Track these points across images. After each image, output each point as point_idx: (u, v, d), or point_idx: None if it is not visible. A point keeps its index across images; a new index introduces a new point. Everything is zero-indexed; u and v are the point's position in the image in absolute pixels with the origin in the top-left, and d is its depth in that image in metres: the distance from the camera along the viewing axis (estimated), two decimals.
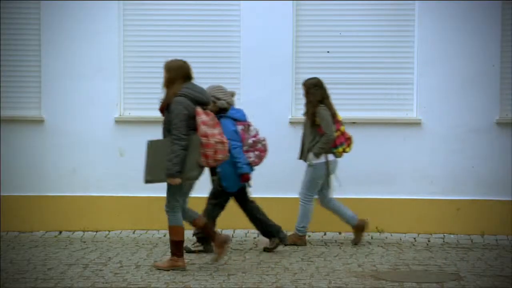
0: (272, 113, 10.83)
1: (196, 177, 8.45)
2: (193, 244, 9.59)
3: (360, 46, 10.93)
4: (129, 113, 11.04)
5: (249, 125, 9.52)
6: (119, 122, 11.00)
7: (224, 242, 8.58)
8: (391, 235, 10.70)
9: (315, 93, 9.98)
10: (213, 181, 9.29)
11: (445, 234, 10.73)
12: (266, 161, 9.63)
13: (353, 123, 10.78)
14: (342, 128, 10.05)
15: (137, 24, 11.02)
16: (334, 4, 10.95)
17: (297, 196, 10.13)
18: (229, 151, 8.64)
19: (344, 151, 10.08)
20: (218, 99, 9.26)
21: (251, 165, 9.47)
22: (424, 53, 10.82)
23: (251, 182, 9.55)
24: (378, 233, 10.75)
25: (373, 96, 10.94)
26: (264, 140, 9.56)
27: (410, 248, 10.05)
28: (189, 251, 9.45)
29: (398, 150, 10.88)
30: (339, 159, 10.08)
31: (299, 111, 10.80)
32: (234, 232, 10.68)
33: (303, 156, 10.09)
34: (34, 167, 10.99)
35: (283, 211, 10.44)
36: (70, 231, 10.93)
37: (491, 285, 8.02)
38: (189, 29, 10.98)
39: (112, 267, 8.77)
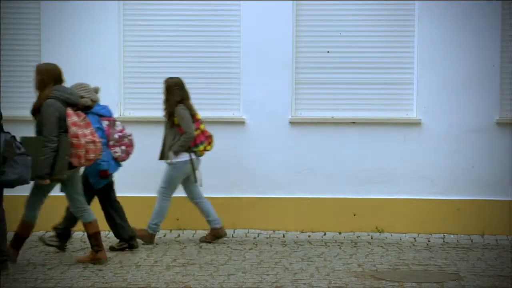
0: (272, 113, 10.83)
1: (66, 178, 8.62)
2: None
3: (360, 46, 10.92)
4: (130, 113, 11.04)
5: (114, 121, 9.62)
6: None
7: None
8: (391, 235, 10.69)
9: (176, 92, 9.97)
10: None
11: (445, 234, 10.72)
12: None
13: (353, 123, 10.78)
14: (202, 126, 10.05)
15: (137, 24, 11.01)
16: (334, 4, 10.94)
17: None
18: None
19: (205, 149, 10.09)
20: (82, 97, 9.18)
21: (118, 160, 9.53)
22: (424, 53, 10.81)
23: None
24: (378, 233, 10.75)
25: (373, 96, 10.93)
26: (130, 135, 9.63)
27: (410, 248, 10.05)
28: (46, 244, 9.58)
29: (398, 150, 10.87)
30: (201, 157, 10.10)
31: (299, 111, 10.80)
32: (234, 232, 10.68)
33: (164, 156, 10.06)
34: None
35: None
36: None
37: (491, 285, 8.02)
38: (189, 29, 10.98)
39: (112, 267, 8.78)
